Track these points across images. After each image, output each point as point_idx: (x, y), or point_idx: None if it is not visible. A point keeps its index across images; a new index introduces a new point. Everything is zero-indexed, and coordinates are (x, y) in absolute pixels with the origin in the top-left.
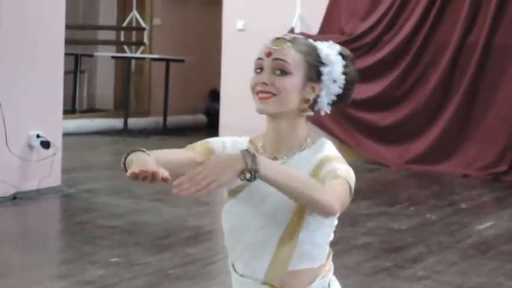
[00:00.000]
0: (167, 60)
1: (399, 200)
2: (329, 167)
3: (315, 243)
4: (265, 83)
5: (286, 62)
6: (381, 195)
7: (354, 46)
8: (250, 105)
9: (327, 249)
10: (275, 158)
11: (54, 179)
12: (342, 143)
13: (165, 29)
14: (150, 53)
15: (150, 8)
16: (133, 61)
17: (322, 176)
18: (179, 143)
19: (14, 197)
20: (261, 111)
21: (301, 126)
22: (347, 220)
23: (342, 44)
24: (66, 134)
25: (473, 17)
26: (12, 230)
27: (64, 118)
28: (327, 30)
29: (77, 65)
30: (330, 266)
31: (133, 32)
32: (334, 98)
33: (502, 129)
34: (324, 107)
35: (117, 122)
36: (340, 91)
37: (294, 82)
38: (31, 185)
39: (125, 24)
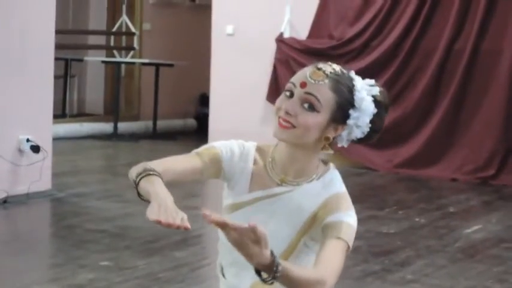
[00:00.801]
0: (157, 65)
1: (388, 204)
2: (335, 218)
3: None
4: (289, 113)
5: (317, 99)
6: (369, 199)
7: (343, 51)
8: (239, 110)
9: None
10: (283, 180)
11: (44, 183)
12: None
13: (154, 34)
14: (140, 57)
15: (140, 12)
16: (123, 66)
17: (325, 224)
18: (169, 147)
19: (4, 201)
20: (277, 137)
21: (316, 158)
22: None
23: (330, 48)
24: (56, 139)
25: (461, 23)
26: (2, 234)
27: (54, 122)
28: (316, 35)
29: (67, 70)
30: None
31: (123, 37)
32: (355, 139)
33: (490, 133)
34: (342, 143)
35: (107, 126)
36: (362, 136)
37: (317, 121)
38: (21, 189)
39: (114, 29)
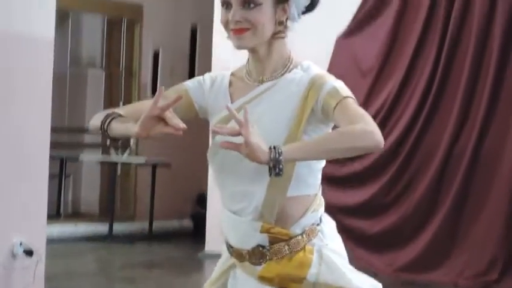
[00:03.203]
0: (153, 165)
1: None
2: (327, 86)
3: (310, 166)
4: (238, 21)
5: None
6: None
7: None
8: None
9: (320, 177)
10: (261, 81)
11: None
12: None
13: None
14: (136, 155)
15: None
16: (119, 164)
17: (323, 96)
18: (165, 250)
19: None
20: (238, 47)
21: (280, 46)
22: None
23: None
24: (50, 240)
25: (461, 123)
26: None
27: (48, 223)
28: None
29: (62, 169)
30: (321, 200)
31: None
32: (303, 9)
33: (492, 237)
34: (295, 19)
35: (102, 227)
36: (308, 2)
37: (265, 12)
38: None
39: None
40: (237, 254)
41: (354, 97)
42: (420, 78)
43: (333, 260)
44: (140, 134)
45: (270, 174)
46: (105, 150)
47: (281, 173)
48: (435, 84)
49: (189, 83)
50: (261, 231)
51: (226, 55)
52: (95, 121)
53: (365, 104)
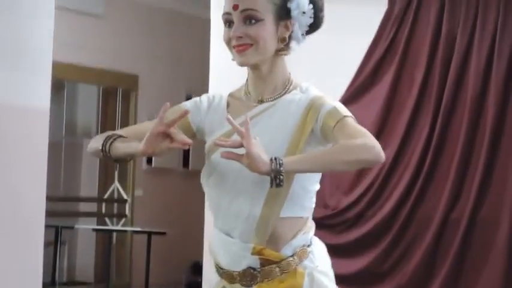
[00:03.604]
0: (149, 233)
1: None
2: (327, 106)
3: (305, 187)
4: (240, 37)
5: (254, 10)
6: None
7: (337, 220)
8: None
9: (314, 201)
10: (261, 101)
11: None
12: None
13: (146, 200)
14: (132, 224)
15: (132, 178)
16: (114, 233)
17: (323, 115)
18: None
19: None
20: (242, 64)
21: (281, 65)
22: None
23: (325, 218)
24: None
25: (457, 193)
26: None
27: None
28: None
29: (57, 237)
30: (312, 223)
31: (115, 204)
32: (307, 29)
33: None
34: (299, 39)
35: None
36: (311, 21)
37: (267, 28)
38: None
39: (106, 196)
40: (227, 275)
41: (353, 116)
42: (415, 147)
43: (325, 284)
44: (146, 151)
45: (271, 186)
46: (101, 219)
47: (282, 183)
48: (430, 153)
49: (187, 104)
50: (252, 253)
51: None
52: (95, 144)
53: (361, 173)
